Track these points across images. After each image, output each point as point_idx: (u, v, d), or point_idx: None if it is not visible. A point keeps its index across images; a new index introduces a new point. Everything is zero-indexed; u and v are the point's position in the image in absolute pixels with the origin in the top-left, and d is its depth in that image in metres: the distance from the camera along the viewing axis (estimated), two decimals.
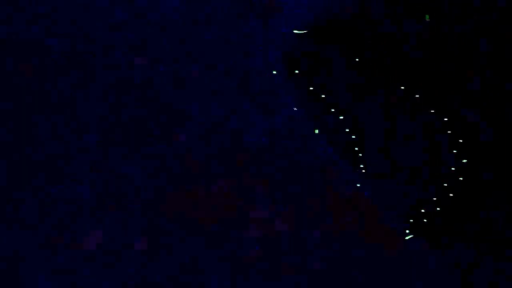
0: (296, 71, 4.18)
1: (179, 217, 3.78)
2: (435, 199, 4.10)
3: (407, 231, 4.01)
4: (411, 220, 4.06)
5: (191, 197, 3.85)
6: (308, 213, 3.97)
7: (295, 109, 4.14)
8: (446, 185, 4.11)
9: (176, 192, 3.83)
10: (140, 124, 3.90)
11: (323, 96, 4.18)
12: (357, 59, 4.18)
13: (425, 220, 4.07)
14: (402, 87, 4.18)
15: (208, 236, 3.80)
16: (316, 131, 4.14)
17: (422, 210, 4.08)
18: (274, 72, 4.16)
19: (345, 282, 3.86)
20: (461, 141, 4.16)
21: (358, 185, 4.09)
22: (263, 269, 3.78)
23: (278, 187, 3.98)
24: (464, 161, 4.13)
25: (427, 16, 4.10)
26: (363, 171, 4.11)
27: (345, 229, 3.96)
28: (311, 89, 4.18)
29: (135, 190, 3.76)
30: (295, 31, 4.17)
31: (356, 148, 4.15)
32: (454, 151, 4.15)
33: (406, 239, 3.99)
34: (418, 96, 4.18)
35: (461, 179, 4.12)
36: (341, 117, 4.17)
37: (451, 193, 4.11)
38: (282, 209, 3.95)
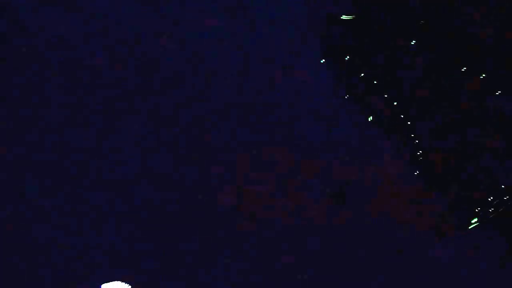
0: (347, 57, 4.01)
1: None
2: (503, 186, 3.67)
3: (473, 220, 3.59)
4: (478, 209, 3.64)
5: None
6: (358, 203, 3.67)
7: (345, 96, 3.93)
8: None
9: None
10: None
11: (375, 82, 3.95)
12: (407, 43, 3.95)
13: (492, 209, 3.63)
14: (460, 69, 3.89)
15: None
16: (370, 119, 3.89)
17: (490, 198, 3.66)
18: (322, 61, 4.00)
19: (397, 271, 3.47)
20: None
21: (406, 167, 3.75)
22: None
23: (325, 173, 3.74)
24: None
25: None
26: (414, 156, 3.78)
27: (403, 219, 3.61)
28: (361, 76, 3.97)
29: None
30: (342, 17, 4.03)
31: (406, 133, 3.85)
32: None
33: (470, 228, 3.56)
34: (474, 78, 3.86)
35: None
36: (395, 103, 3.91)
37: None
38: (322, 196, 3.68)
